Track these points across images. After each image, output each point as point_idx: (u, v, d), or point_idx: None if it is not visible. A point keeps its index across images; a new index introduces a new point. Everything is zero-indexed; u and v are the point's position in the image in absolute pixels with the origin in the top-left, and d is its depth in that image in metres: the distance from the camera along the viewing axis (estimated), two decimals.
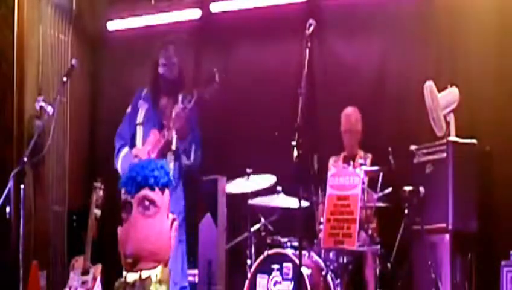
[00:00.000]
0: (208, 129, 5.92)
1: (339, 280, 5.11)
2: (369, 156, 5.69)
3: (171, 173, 3.01)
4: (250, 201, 5.55)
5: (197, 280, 4.91)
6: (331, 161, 5.88)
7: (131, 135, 5.08)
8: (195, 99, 4.72)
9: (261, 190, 5.61)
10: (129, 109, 5.18)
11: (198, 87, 4.71)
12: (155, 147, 4.82)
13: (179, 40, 5.30)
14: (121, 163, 4.99)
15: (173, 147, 4.91)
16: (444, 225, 5.05)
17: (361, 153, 5.77)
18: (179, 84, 5.05)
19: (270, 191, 5.65)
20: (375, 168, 5.27)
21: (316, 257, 5.25)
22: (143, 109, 5.07)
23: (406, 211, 5.13)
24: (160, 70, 5.04)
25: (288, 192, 5.49)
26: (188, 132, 4.85)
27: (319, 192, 5.43)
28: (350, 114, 5.81)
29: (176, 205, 4.75)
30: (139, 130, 5.04)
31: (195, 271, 4.96)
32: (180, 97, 4.94)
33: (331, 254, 5.23)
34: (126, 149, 5.04)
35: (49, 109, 5.16)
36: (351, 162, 5.43)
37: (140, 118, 5.06)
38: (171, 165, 4.86)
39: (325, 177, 5.36)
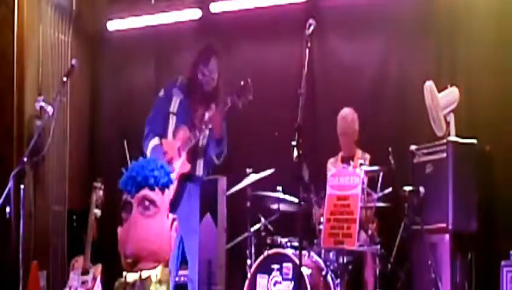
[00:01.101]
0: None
1: (339, 280, 5.11)
2: (367, 156, 5.69)
3: (172, 174, 3.00)
4: (250, 193, 5.56)
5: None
6: (330, 162, 5.88)
7: (163, 122, 5.00)
8: (229, 107, 4.72)
9: (260, 186, 5.61)
10: (162, 93, 5.07)
11: (232, 96, 4.70)
12: (185, 144, 4.82)
13: (221, 50, 5.25)
14: (150, 154, 4.94)
15: (201, 148, 4.91)
16: (444, 225, 5.05)
17: (359, 152, 5.77)
18: (213, 96, 5.02)
19: (269, 190, 5.65)
20: (375, 168, 5.27)
21: (316, 257, 5.25)
22: (178, 97, 4.99)
23: (406, 211, 5.13)
24: (199, 76, 4.98)
25: (287, 192, 5.49)
26: (221, 135, 4.86)
27: (312, 192, 5.44)
28: (346, 116, 5.80)
29: (195, 201, 4.72)
30: (172, 120, 4.97)
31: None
32: (213, 106, 4.94)
33: (331, 254, 5.23)
34: (156, 140, 4.94)
35: (49, 109, 5.16)
36: (351, 162, 5.43)
37: (174, 107, 4.98)
38: (201, 167, 4.88)
39: (320, 178, 5.38)
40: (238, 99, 4.67)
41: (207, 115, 4.84)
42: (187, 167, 4.81)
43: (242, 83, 4.69)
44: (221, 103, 4.82)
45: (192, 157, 4.85)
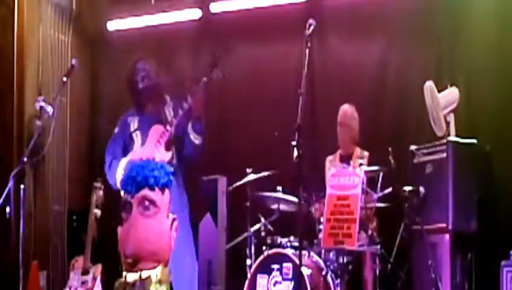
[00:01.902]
0: (207, 129, 5.91)
1: (339, 280, 5.11)
2: (366, 154, 5.69)
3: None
4: (250, 193, 5.56)
5: None
6: (328, 160, 5.88)
7: (123, 148, 5.06)
8: (204, 83, 4.74)
9: (260, 186, 5.62)
10: (116, 130, 5.15)
11: (205, 72, 4.73)
12: (161, 137, 4.83)
13: (145, 54, 5.33)
14: (123, 172, 4.94)
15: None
16: (444, 225, 5.05)
17: (357, 151, 5.77)
18: (160, 88, 5.07)
19: (269, 190, 5.65)
20: (375, 168, 5.26)
21: (316, 257, 5.25)
22: (134, 120, 5.09)
23: (406, 211, 5.13)
24: (140, 85, 5.05)
25: (287, 192, 5.49)
26: (201, 113, 4.86)
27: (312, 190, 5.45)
28: (346, 109, 5.81)
29: (179, 199, 4.74)
30: (136, 136, 5.02)
31: None
32: (168, 98, 5.00)
33: (331, 254, 5.23)
34: (123, 160, 4.98)
35: (49, 109, 5.16)
36: (350, 162, 5.43)
37: (133, 126, 5.06)
38: (172, 154, 4.89)
39: (320, 177, 5.38)
40: (210, 72, 4.69)
41: (168, 112, 4.88)
42: (167, 156, 4.80)
43: (213, 57, 4.71)
44: (195, 83, 4.85)
45: (170, 146, 4.85)
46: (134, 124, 5.09)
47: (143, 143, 4.95)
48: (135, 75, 5.06)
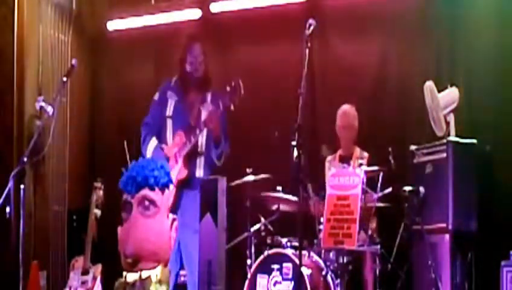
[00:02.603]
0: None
1: (339, 280, 5.10)
2: (366, 155, 5.69)
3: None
4: (250, 193, 5.57)
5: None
6: (328, 161, 5.88)
7: (159, 126, 5.02)
8: (222, 109, 4.72)
9: (260, 187, 5.62)
10: (156, 97, 5.09)
11: (223, 97, 4.69)
12: (181, 150, 4.82)
13: (204, 37, 5.29)
14: (151, 155, 4.94)
15: (201, 150, 4.91)
16: (444, 225, 5.05)
17: (357, 151, 5.77)
18: (206, 82, 5.05)
19: (269, 190, 5.65)
20: (375, 168, 5.26)
21: (316, 257, 5.25)
22: (172, 100, 5.02)
23: (406, 211, 5.13)
24: (187, 68, 5.01)
25: (287, 192, 5.49)
26: (222, 134, 4.86)
27: (310, 190, 5.45)
28: (347, 110, 5.82)
29: (195, 203, 4.73)
30: (169, 124, 4.99)
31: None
32: (209, 97, 4.96)
33: (331, 254, 5.22)
34: (155, 141, 4.96)
35: (49, 109, 5.15)
36: (350, 162, 5.43)
37: (169, 110, 5.00)
38: (201, 169, 4.88)
39: (320, 177, 5.38)
40: (229, 101, 4.66)
41: (203, 114, 4.83)
42: (184, 173, 4.81)
43: (232, 84, 4.66)
44: (215, 101, 4.80)
45: (189, 162, 4.85)
46: (171, 105, 5.01)
47: (172, 136, 4.92)
48: (187, 56, 4.99)
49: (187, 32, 5.28)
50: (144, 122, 5.08)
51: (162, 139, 4.99)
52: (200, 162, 4.92)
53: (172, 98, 5.02)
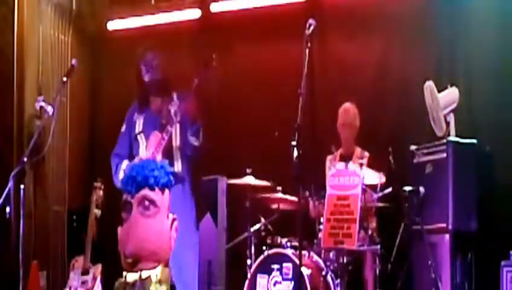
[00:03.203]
0: (207, 129, 5.90)
1: (339, 280, 5.10)
2: (367, 154, 5.69)
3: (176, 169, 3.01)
4: (250, 194, 5.57)
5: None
6: (328, 160, 5.88)
7: (130, 149, 5.08)
8: (196, 85, 4.73)
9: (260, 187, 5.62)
10: (123, 128, 5.19)
11: (197, 74, 4.72)
12: (158, 146, 4.83)
13: (156, 45, 5.32)
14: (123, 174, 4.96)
15: (176, 143, 4.92)
16: (444, 225, 5.05)
17: (358, 150, 5.77)
18: (167, 84, 5.07)
19: (269, 190, 5.65)
20: (376, 174, 5.26)
21: (316, 257, 5.25)
22: (139, 119, 5.10)
23: (406, 211, 5.13)
24: (145, 77, 5.06)
25: (287, 192, 5.49)
26: (196, 115, 4.86)
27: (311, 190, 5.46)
28: (348, 108, 5.83)
29: (185, 202, 4.75)
30: (141, 139, 5.04)
31: None
32: (175, 96, 4.96)
33: (331, 254, 5.22)
34: (125, 162, 5.02)
35: (49, 109, 5.16)
36: (350, 162, 5.42)
37: (138, 128, 5.08)
38: (179, 162, 4.89)
39: (320, 177, 5.38)
40: (204, 73, 4.68)
41: (172, 109, 4.84)
42: None
43: (206, 58, 4.70)
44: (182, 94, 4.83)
45: (167, 157, 4.82)
46: (139, 124, 5.09)
47: (146, 147, 4.95)
48: (142, 66, 5.05)
49: (136, 50, 5.28)
50: (113, 154, 5.12)
51: (132, 158, 5.03)
52: (177, 156, 4.93)
53: (139, 118, 5.10)
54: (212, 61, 4.74)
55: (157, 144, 4.83)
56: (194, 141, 4.93)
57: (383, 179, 5.25)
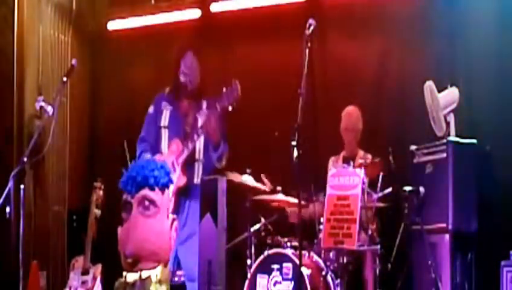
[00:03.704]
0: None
1: (339, 280, 5.10)
2: (369, 156, 5.69)
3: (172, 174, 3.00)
4: (250, 196, 5.57)
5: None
6: (331, 161, 5.89)
7: (155, 138, 5.03)
8: (219, 111, 4.68)
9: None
10: (151, 110, 5.07)
11: (220, 99, 4.66)
12: (179, 157, 4.80)
13: (197, 44, 5.25)
14: None
15: (198, 156, 4.89)
16: (444, 225, 5.05)
17: (361, 153, 5.78)
18: (200, 91, 5.01)
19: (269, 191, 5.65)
20: (376, 159, 5.27)
21: (316, 257, 5.25)
22: (167, 110, 5.00)
23: (406, 211, 5.13)
24: (182, 78, 4.97)
25: (287, 192, 5.49)
26: (221, 137, 4.83)
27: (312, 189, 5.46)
28: (352, 112, 5.84)
29: (197, 211, 4.72)
30: (164, 134, 4.97)
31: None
32: (204, 104, 4.93)
33: (331, 254, 5.22)
34: (148, 156, 4.97)
35: (49, 109, 5.15)
36: (351, 162, 5.43)
37: (164, 120, 4.98)
38: (199, 175, 4.86)
39: (321, 177, 5.38)
40: (226, 102, 4.63)
41: (200, 121, 4.82)
42: (183, 181, 4.78)
43: (229, 86, 4.63)
44: (212, 105, 4.78)
45: (187, 169, 4.83)
46: (166, 115, 4.99)
47: (168, 145, 4.90)
48: (181, 65, 4.96)
49: (179, 43, 5.21)
50: (139, 137, 5.07)
51: (157, 149, 4.97)
52: (199, 168, 4.90)
53: (167, 108, 5.01)
54: (237, 90, 4.65)
55: (179, 154, 4.80)
56: (217, 164, 4.91)
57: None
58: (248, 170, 5.63)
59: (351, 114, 5.84)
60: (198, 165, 4.90)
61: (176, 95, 5.01)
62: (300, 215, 4.48)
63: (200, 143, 4.87)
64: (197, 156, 4.89)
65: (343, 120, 5.85)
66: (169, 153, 4.86)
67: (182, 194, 4.79)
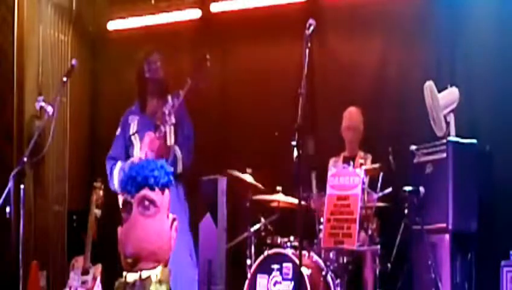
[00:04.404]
0: (208, 129, 5.92)
1: (339, 280, 5.11)
2: (369, 156, 5.71)
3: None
4: (252, 197, 5.58)
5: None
6: (331, 161, 5.89)
7: (125, 151, 5.07)
8: (189, 87, 4.72)
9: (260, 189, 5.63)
10: (119, 131, 5.18)
11: (190, 74, 4.71)
12: (152, 145, 4.82)
13: (160, 46, 5.33)
14: (117, 177, 4.96)
15: (170, 143, 4.92)
16: (444, 225, 5.05)
17: (361, 153, 5.79)
18: (165, 85, 5.08)
19: (269, 191, 5.65)
20: (376, 165, 5.27)
21: (316, 257, 5.25)
22: (134, 121, 5.10)
23: (406, 211, 5.13)
24: (146, 74, 5.07)
25: (287, 192, 5.49)
26: (184, 120, 4.88)
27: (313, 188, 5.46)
28: (353, 112, 5.86)
29: (179, 203, 4.74)
30: (135, 139, 5.03)
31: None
32: (169, 97, 4.96)
33: (331, 254, 5.23)
34: (119, 163, 5.01)
35: (49, 109, 5.15)
36: (351, 162, 5.43)
37: (133, 129, 5.08)
38: (179, 157, 4.89)
39: (321, 177, 5.38)
40: (197, 75, 4.66)
41: (166, 110, 4.84)
42: None
43: (199, 58, 4.69)
44: (175, 95, 4.82)
45: (161, 157, 4.80)
46: (134, 125, 5.11)
47: (140, 147, 4.95)
48: (145, 65, 5.06)
49: (143, 48, 5.29)
50: (108, 157, 5.11)
51: (127, 158, 5.02)
52: (177, 151, 4.93)
53: (134, 119, 5.11)
54: (206, 61, 4.73)
55: (150, 143, 4.83)
56: (180, 156, 4.92)
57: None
58: (248, 170, 5.63)
59: (352, 114, 5.85)
60: (173, 153, 4.91)
61: (143, 96, 5.09)
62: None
63: (170, 131, 4.91)
64: (168, 143, 4.91)
65: (345, 120, 5.87)
66: (142, 146, 4.89)
67: None
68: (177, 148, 4.94)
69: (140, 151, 4.93)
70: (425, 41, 6.02)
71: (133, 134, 5.06)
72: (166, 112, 4.79)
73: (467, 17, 5.83)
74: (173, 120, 4.81)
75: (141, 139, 4.97)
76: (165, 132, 4.87)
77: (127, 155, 5.07)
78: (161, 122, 4.85)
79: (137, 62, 5.16)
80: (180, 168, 4.91)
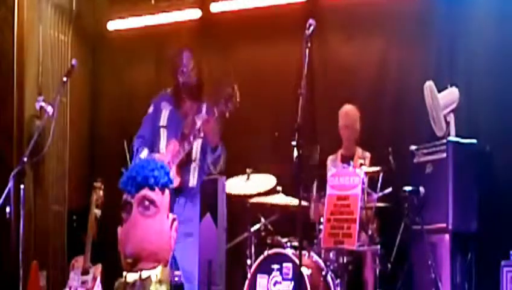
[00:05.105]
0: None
1: (339, 280, 5.11)
2: (368, 155, 5.70)
3: (171, 174, 3.00)
4: (251, 200, 5.56)
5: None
6: (329, 160, 5.89)
7: (153, 136, 5.02)
8: (217, 115, 4.67)
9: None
10: (151, 110, 5.06)
11: (218, 104, 4.65)
12: (175, 157, 4.79)
13: (204, 37, 5.26)
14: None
15: (195, 158, 4.88)
16: (444, 225, 5.05)
17: (359, 151, 5.79)
18: (199, 88, 5.01)
19: (270, 191, 5.65)
20: (376, 168, 5.27)
21: (316, 257, 5.25)
22: (166, 110, 4.99)
23: (406, 211, 5.13)
24: (180, 78, 4.97)
25: (287, 192, 5.49)
26: (218, 142, 4.82)
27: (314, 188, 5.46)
28: (349, 111, 5.85)
29: (192, 211, 4.71)
30: (163, 133, 4.96)
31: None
32: (203, 107, 4.92)
33: (331, 254, 5.23)
34: (146, 151, 4.96)
35: (49, 109, 5.15)
36: (350, 162, 5.43)
37: (163, 120, 4.97)
38: (195, 177, 4.85)
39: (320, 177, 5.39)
40: (225, 108, 4.62)
41: (198, 123, 4.81)
42: (176, 181, 4.76)
43: (228, 91, 4.62)
44: (210, 110, 4.77)
45: (182, 170, 4.80)
46: (165, 115, 4.97)
47: (166, 145, 4.90)
48: (177, 67, 4.95)
49: (176, 43, 5.22)
50: (137, 135, 5.06)
51: (155, 149, 4.94)
52: (194, 170, 4.89)
53: (167, 108, 5.00)
54: (235, 96, 4.64)
55: (175, 155, 4.79)
56: (212, 169, 4.86)
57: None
58: (248, 170, 5.64)
59: (348, 112, 5.85)
60: (195, 167, 4.88)
61: (177, 95, 5.00)
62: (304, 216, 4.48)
63: (197, 145, 4.85)
64: (193, 157, 4.88)
65: (341, 118, 5.86)
66: (166, 152, 4.85)
67: (176, 195, 4.76)
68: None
69: (165, 153, 4.86)
70: (425, 41, 6.03)
71: (163, 126, 4.99)
72: (198, 125, 4.73)
73: (467, 17, 5.84)
74: (201, 135, 4.76)
75: (168, 137, 4.91)
76: (191, 148, 4.80)
77: (153, 142, 4.99)
78: (189, 131, 4.81)
79: (169, 59, 5.06)
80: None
